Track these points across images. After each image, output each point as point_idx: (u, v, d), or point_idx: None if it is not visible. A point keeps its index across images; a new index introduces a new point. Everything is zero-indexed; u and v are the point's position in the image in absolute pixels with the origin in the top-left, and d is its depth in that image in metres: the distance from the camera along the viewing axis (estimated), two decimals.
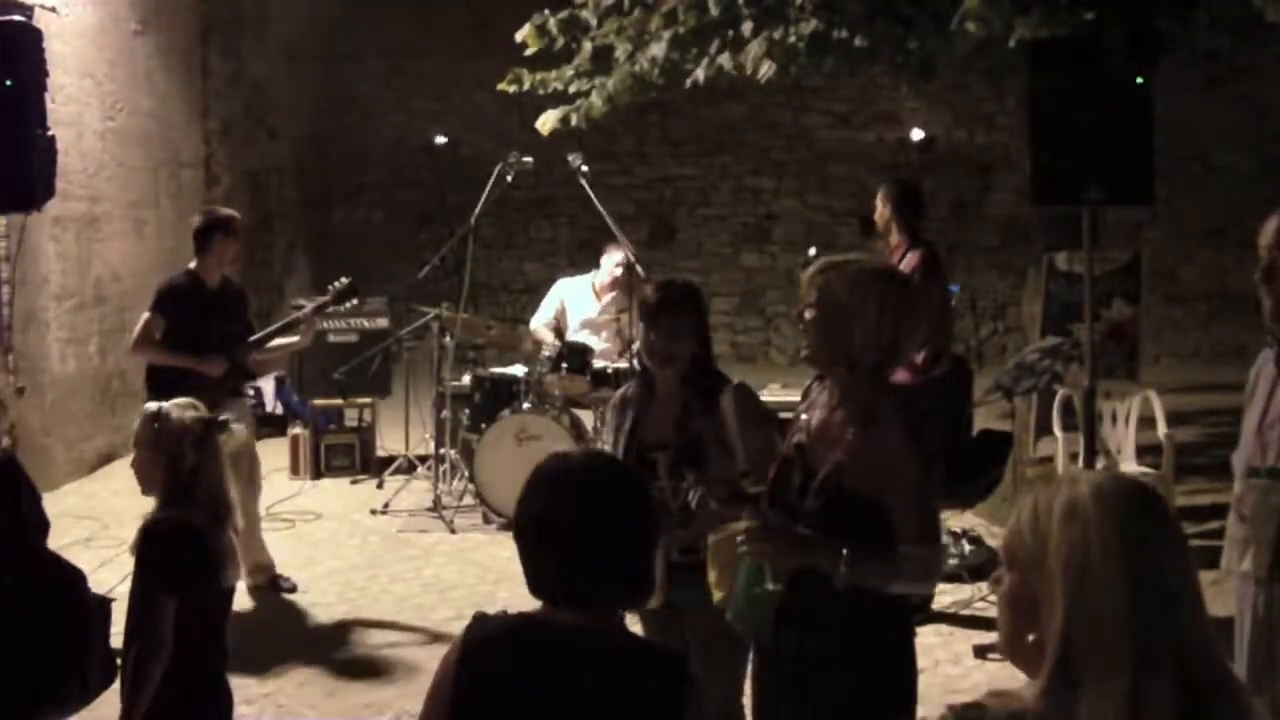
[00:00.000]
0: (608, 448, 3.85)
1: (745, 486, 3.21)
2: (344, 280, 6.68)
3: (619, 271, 7.92)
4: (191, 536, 3.33)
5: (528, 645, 2.21)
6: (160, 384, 6.20)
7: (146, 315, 6.26)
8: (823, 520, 2.94)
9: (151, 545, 3.31)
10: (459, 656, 2.21)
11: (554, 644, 2.18)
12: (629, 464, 2.46)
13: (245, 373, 6.47)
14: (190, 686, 3.31)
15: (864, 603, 2.89)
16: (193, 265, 6.37)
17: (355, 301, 6.97)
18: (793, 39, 6.29)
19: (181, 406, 3.48)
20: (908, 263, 6.09)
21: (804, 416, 3.14)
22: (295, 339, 6.64)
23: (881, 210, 6.31)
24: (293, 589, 6.40)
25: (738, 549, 2.99)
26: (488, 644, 2.21)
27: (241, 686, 5.27)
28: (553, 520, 2.21)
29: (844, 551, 2.84)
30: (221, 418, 3.56)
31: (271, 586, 6.36)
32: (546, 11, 7.03)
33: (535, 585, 2.24)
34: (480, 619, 2.28)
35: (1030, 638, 1.68)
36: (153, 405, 3.48)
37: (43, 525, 3.36)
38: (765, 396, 4.12)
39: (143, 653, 3.25)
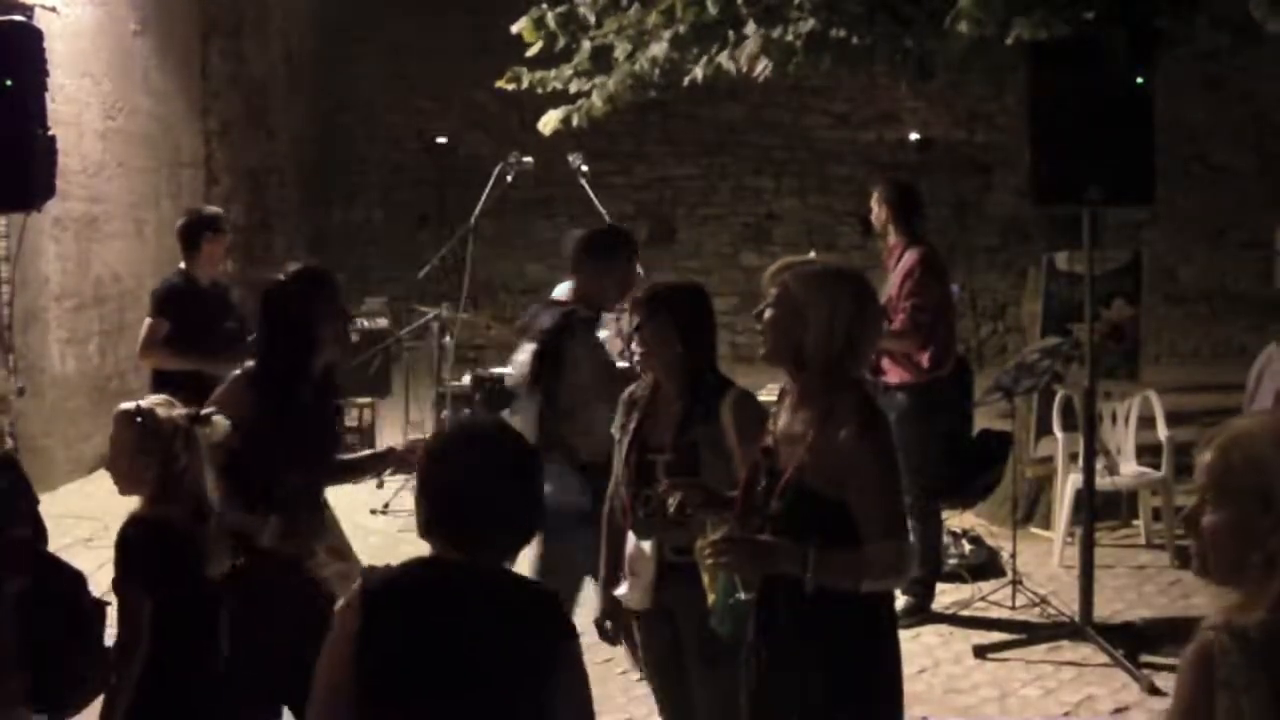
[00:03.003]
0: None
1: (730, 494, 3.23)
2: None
3: None
4: (170, 536, 3.31)
5: (422, 587, 2.46)
6: (171, 388, 6.22)
7: (149, 321, 6.19)
8: (787, 522, 2.95)
9: (129, 545, 3.30)
10: (360, 601, 2.41)
11: (445, 584, 2.45)
12: (513, 429, 2.80)
13: None
14: (184, 683, 3.31)
15: (835, 604, 2.90)
16: (182, 265, 6.31)
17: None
18: (790, 38, 6.29)
19: (163, 405, 3.42)
20: (906, 262, 6.07)
21: (774, 419, 3.16)
22: None
23: (878, 211, 6.27)
24: None
25: (705, 560, 3.02)
26: (385, 589, 2.45)
27: None
28: (448, 474, 2.47)
29: (808, 554, 2.85)
30: (204, 411, 3.54)
31: None
32: (545, 5, 7.02)
33: (426, 530, 2.49)
34: (371, 569, 2.52)
35: (1254, 558, 1.88)
36: (129, 405, 3.41)
37: (39, 529, 3.36)
38: (763, 397, 4.12)
39: (120, 647, 3.25)
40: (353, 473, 4.45)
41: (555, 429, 4.40)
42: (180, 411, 3.42)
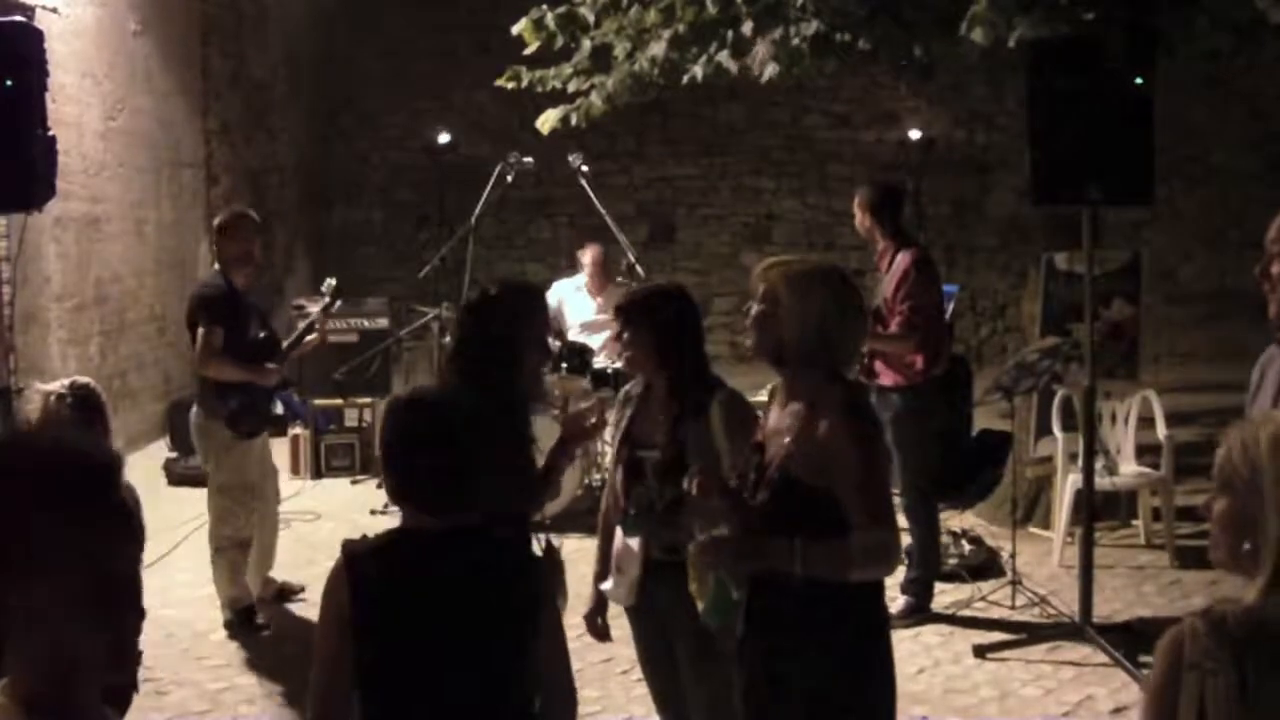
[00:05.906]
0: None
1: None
2: (331, 282, 6.57)
3: (592, 268, 8.18)
4: None
5: (398, 552, 2.58)
6: (217, 397, 5.84)
7: (204, 330, 5.77)
8: (774, 513, 2.97)
9: None
10: (346, 572, 2.53)
11: (418, 547, 2.58)
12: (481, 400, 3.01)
13: (285, 380, 6.29)
14: None
15: (824, 595, 2.92)
16: (217, 267, 6.06)
17: (341, 302, 7.11)
18: (796, 40, 6.29)
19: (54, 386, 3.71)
20: (900, 264, 6.05)
21: (765, 415, 3.20)
22: (314, 336, 6.52)
23: (861, 217, 6.23)
24: (300, 589, 6.36)
25: (697, 560, 3.05)
26: (369, 557, 2.56)
27: (243, 687, 5.30)
28: (403, 444, 2.61)
29: (794, 546, 2.87)
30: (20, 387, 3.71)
31: (277, 599, 6.30)
32: (545, 7, 7.02)
33: (400, 496, 2.63)
34: (350, 542, 2.61)
35: (1246, 547, 1.97)
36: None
37: None
38: (761, 396, 4.13)
39: None
40: (549, 483, 3.94)
41: None
42: (53, 388, 3.67)
